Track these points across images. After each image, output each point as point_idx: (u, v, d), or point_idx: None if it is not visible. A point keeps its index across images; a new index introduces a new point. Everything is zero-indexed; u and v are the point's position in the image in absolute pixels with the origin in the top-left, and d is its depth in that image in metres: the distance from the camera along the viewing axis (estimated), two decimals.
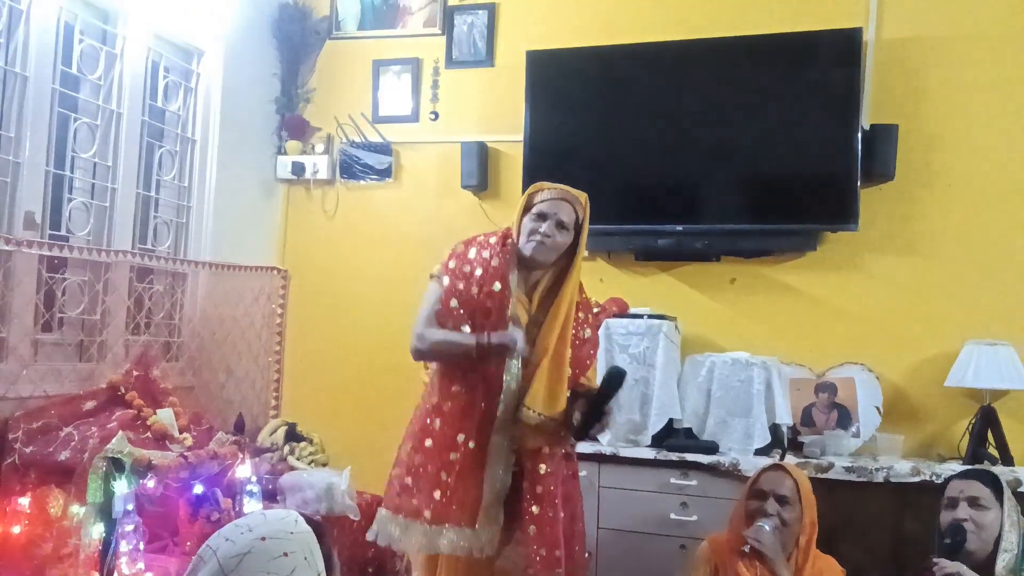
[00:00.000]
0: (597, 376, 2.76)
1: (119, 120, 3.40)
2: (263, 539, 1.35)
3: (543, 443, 2.50)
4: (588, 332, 2.64)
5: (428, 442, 2.48)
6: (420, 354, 2.56)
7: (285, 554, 1.34)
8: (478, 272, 2.50)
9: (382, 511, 2.53)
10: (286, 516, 1.42)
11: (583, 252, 2.58)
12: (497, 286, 2.47)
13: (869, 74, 3.58)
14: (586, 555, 2.65)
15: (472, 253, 2.55)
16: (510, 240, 2.56)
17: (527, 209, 2.55)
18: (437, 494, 2.43)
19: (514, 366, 2.49)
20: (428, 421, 2.50)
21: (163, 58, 3.67)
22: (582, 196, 2.57)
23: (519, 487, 2.50)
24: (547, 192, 2.55)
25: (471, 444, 2.45)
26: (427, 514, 2.42)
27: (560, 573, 2.46)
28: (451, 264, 2.55)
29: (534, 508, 2.45)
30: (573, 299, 2.56)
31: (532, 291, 2.57)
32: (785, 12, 3.69)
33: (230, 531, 1.39)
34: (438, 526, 2.42)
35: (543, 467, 2.49)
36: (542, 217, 2.50)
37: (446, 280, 2.52)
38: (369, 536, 2.55)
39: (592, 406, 2.47)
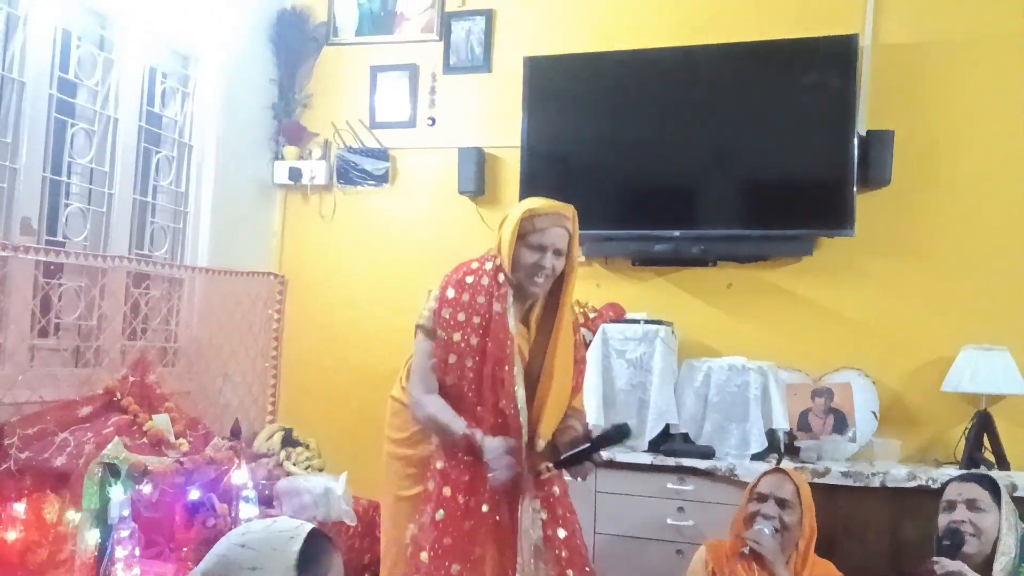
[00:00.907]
0: (584, 399, 2.69)
1: (116, 126, 3.40)
2: (243, 546, 1.36)
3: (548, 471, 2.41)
4: (583, 352, 2.55)
5: (440, 513, 2.30)
6: (418, 422, 2.43)
7: (253, 568, 1.34)
8: (476, 320, 2.35)
9: None
10: (283, 533, 1.40)
11: (576, 269, 2.46)
12: (502, 335, 2.33)
13: (866, 80, 3.59)
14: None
15: (466, 297, 2.38)
16: (501, 274, 2.38)
17: (521, 236, 2.35)
18: (456, 569, 2.26)
19: (523, 412, 2.34)
20: (439, 491, 2.32)
21: (160, 64, 3.68)
22: (569, 211, 2.40)
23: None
24: (541, 220, 2.34)
25: (484, 508, 2.29)
26: None
27: None
28: (444, 313, 2.38)
29: (560, 532, 2.36)
30: (570, 321, 2.46)
31: (528, 317, 2.44)
32: (782, 18, 3.70)
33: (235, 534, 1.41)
34: None
35: (556, 489, 2.41)
36: (541, 249, 2.33)
37: (440, 333, 2.37)
38: None
39: (586, 449, 2.29)
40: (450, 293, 2.40)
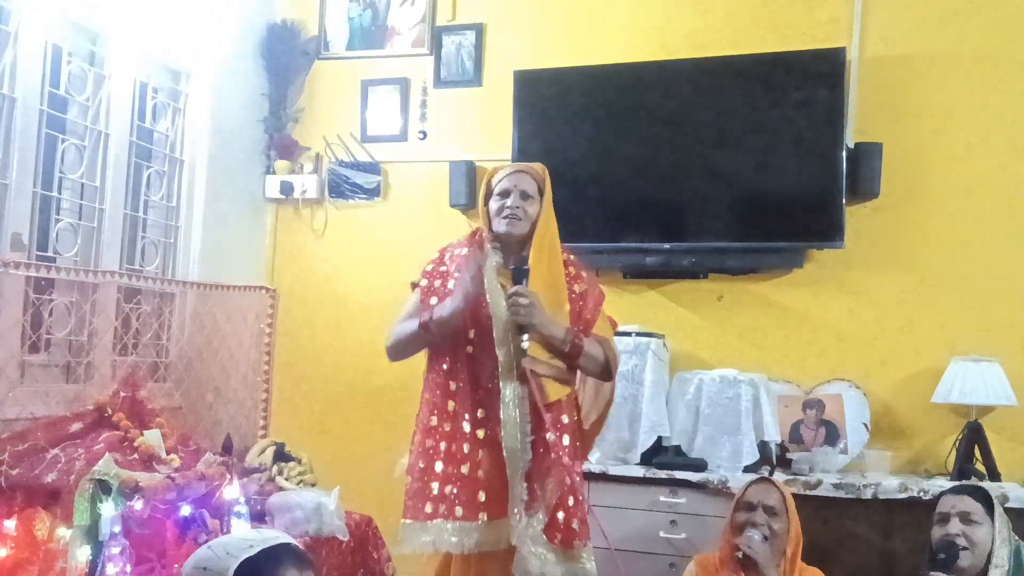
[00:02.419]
0: (610, 331, 2.72)
1: (107, 141, 3.40)
2: (209, 547, 1.42)
3: (560, 391, 2.47)
4: (582, 286, 2.60)
5: (428, 442, 2.45)
6: (390, 351, 2.60)
7: (204, 568, 1.36)
8: (452, 268, 2.55)
9: (405, 522, 2.43)
10: (246, 541, 1.42)
11: (551, 212, 2.57)
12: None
13: (853, 93, 3.62)
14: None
15: (447, 257, 2.62)
16: (479, 234, 2.62)
17: (488, 195, 2.59)
18: (454, 490, 2.39)
19: (502, 339, 2.44)
20: (429, 420, 2.48)
21: (151, 79, 3.68)
22: (538, 166, 2.62)
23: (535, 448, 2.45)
24: (502, 171, 2.59)
25: (480, 433, 2.43)
26: (444, 510, 2.38)
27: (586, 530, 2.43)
28: (428, 267, 2.63)
29: (553, 458, 2.40)
30: (551, 247, 2.54)
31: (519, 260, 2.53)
32: (770, 32, 3.73)
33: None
34: (466, 522, 2.36)
35: (565, 417, 2.49)
36: (505, 194, 2.53)
37: (424, 282, 2.58)
38: (396, 550, 2.51)
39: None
40: (436, 255, 2.67)
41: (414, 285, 2.62)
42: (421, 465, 2.45)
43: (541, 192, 2.56)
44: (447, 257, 2.62)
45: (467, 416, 2.45)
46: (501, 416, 2.42)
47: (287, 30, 4.36)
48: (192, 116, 3.90)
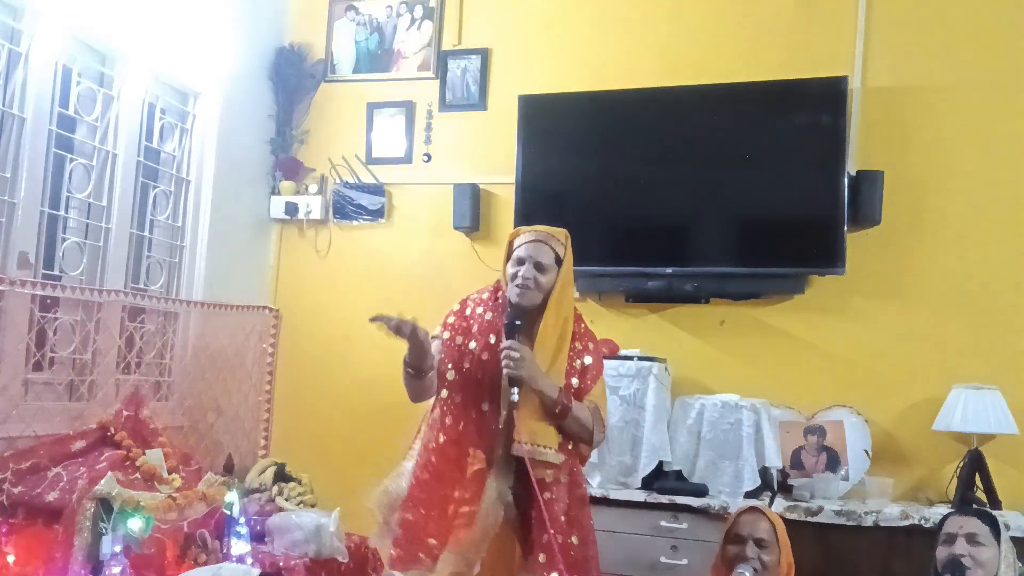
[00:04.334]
0: (607, 402, 2.71)
1: (114, 161, 3.43)
2: None
3: (547, 471, 2.48)
4: (589, 359, 2.61)
5: (417, 491, 2.53)
6: (410, 394, 2.62)
7: None
8: (475, 328, 2.57)
9: (390, 573, 2.55)
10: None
11: (568, 281, 2.61)
12: (492, 339, 2.53)
13: (855, 121, 3.65)
14: None
15: (469, 311, 2.63)
16: (500, 292, 2.63)
17: (509, 255, 2.62)
18: (432, 541, 2.47)
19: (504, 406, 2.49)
20: (419, 475, 2.55)
21: (160, 100, 3.71)
22: (560, 233, 2.61)
23: (529, 515, 2.49)
24: (524, 236, 2.61)
25: (459, 493, 2.49)
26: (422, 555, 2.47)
27: None
28: (451, 320, 2.64)
29: (543, 537, 2.45)
30: (559, 328, 2.56)
31: (532, 329, 2.55)
32: (773, 60, 3.76)
33: None
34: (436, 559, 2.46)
35: (548, 494, 2.47)
36: (520, 262, 2.54)
37: (446, 335, 2.59)
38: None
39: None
40: (457, 307, 2.68)
41: (436, 337, 2.62)
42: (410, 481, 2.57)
43: (559, 261, 2.57)
44: (468, 311, 2.64)
45: (452, 477, 2.52)
46: (487, 482, 2.47)
47: (294, 53, 4.41)
48: (199, 137, 3.93)
